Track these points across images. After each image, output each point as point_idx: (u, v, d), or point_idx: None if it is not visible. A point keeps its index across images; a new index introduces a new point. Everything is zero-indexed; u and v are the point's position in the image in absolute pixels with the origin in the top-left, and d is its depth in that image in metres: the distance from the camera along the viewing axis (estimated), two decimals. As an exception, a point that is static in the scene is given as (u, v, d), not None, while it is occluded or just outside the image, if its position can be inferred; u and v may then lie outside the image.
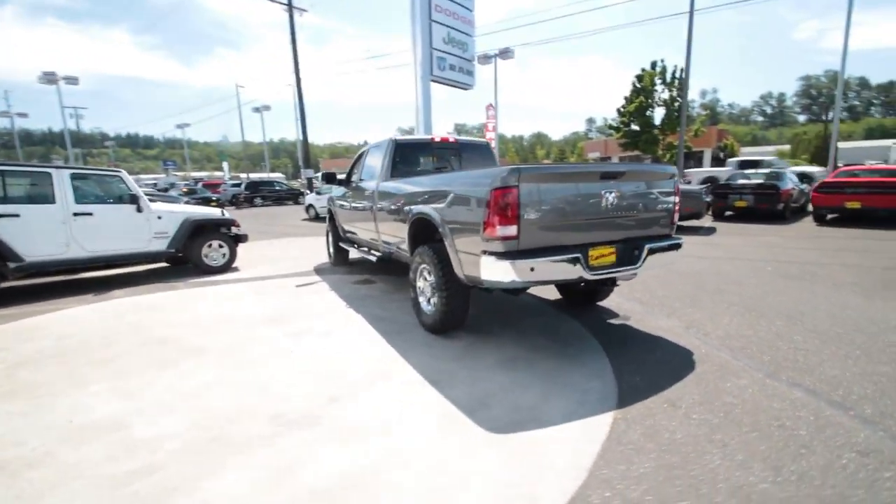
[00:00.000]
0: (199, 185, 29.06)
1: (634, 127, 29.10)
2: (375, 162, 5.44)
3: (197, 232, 6.81)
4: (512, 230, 2.89)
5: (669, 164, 28.53)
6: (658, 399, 2.66)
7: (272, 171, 74.26)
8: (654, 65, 29.00)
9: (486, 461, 2.10)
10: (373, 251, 5.52)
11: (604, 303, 4.59)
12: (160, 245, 6.49)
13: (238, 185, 25.78)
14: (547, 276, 3.00)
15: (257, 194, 24.68)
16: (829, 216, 10.63)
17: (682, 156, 19.41)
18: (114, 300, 5.32)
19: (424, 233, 4.08)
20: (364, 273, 6.59)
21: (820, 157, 27.72)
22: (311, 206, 16.83)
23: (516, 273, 2.87)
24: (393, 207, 4.60)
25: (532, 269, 2.89)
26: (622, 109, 29.90)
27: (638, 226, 3.43)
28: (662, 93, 28.39)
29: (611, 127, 31.82)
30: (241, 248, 7.45)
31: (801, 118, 75.60)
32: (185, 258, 6.85)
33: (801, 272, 5.78)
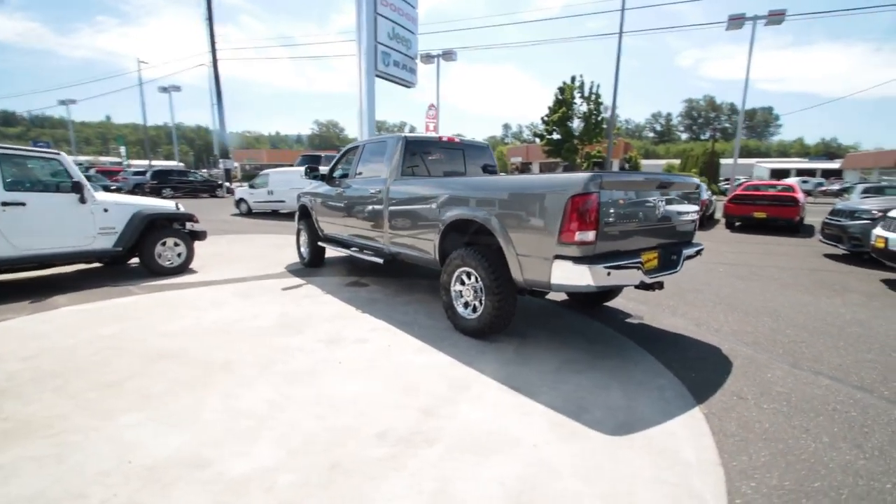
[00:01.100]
0: (93, 171, 25.18)
1: (557, 136, 31.06)
2: (379, 160, 5.19)
3: (149, 228, 5.94)
4: (590, 235, 2.97)
5: (586, 171, 30.86)
6: (724, 392, 2.91)
7: (167, 159, 66.88)
8: (573, 79, 31.23)
9: (630, 463, 2.13)
10: (366, 252, 5.25)
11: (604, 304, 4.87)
12: (106, 242, 5.56)
13: (141, 174, 22.76)
14: (618, 280, 3.13)
15: (166, 185, 22.02)
16: (737, 224, 12.36)
17: (612, 165, 21.11)
18: (62, 309, 4.45)
19: (459, 236, 4.03)
20: (347, 274, 6.26)
21: (708, 171, 31.89)
22: (242, 200, 15.49)
23: (593, 277, 2.95)
24: (413, 208, 4.44)
25: (608, 274, 2.99)
26: (546, 118, 31.80)
27: (675, 233, 3.72)
28: (581, 105, 30.66)
29: (535, 134, 33.58)
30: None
31: (685, 136, 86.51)
32: (128, 258, 5.94)
33: (749, 273, 6.65)
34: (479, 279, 3.67)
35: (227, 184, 24.28)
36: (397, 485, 1.94)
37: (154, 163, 37.13)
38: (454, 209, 3.87)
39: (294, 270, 6.55)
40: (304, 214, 6.99)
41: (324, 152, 21.72)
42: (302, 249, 6.98)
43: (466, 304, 3.87)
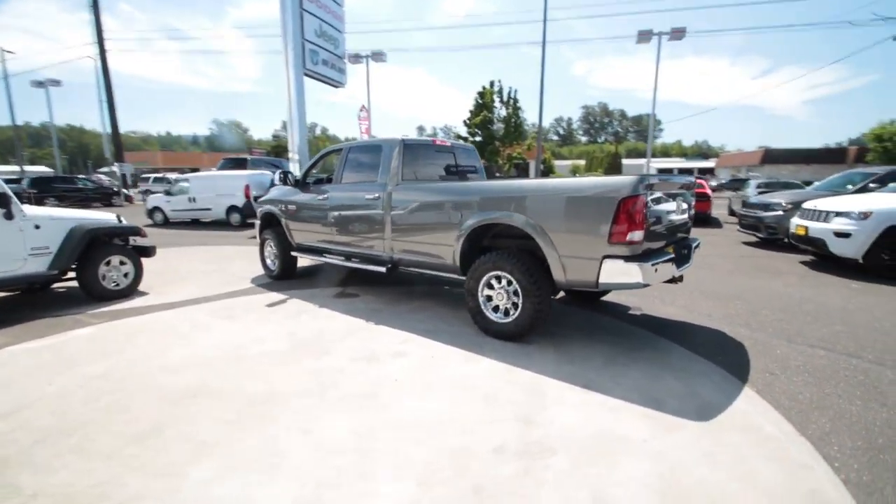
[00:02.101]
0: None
1: (479, 138, 32.00)
2: (371, 164, 4.96)
3: (91, 245, 5.07)
4: (640, 235, 3.13)
5: (507, 173, 32.14)
6: (756, 371, 3.23)
7: (32, 162, 57.19)
8: (492, 84, 32.47)
9: (734, 445, 2.29)
10: (356, 261, 5.00)
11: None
12: (38, 265, 4.64)
13: (15, 181, 19.17)
14: (661, 276, 3.32)
15: (49, 193, 18.82)
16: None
17: (541, 167, 22.17)
18: (5, 350, 3.63)
19: (480, 240, 4.01)
20: (327, 285, 5.89)
21: (612, 171, 35.12)
22: (156, 209, 13.79)
23: (643, 275, 3.12)
24: (424, 214, 4.32)
25: (656, 271, 3.18)
26: (468, 121, 32.64)
27: (685, 228, 4.05)
28: (501, 109, 31.96)
29: (458, 137, 34.27)
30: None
31: (584, 139, 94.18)
32: (53, 282, 5.02)
33: (701, 263, 7.44)
34: (512, 282, 3.68)
35: (126, 191, 21.41)
36: (553, 499, 1.89)
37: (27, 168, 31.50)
38: (480, 214, 3.83)
39: (265, 284, 6.01)
40: (270, 223, 6.44)
41: (250, 155, 20.17)
42: (268, 261, 6.42)
43: (496, 308, 3.86)
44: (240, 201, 13.04)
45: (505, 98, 31.86)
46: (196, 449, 2.24)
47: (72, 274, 5.09)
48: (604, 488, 1.96)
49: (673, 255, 3.43)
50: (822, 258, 7.26)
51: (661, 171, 56.16)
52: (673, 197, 3.77)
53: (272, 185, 13.12)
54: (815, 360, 3.42)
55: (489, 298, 3.90)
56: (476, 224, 3.85)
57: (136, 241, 5.78)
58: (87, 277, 5.02)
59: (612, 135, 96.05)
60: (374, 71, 21.45)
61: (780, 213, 8.24)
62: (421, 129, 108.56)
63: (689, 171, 52.89)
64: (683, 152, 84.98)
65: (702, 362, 3.37)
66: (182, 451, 2.22)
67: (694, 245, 4.11)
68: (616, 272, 3.17)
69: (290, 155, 15.89)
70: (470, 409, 2.65)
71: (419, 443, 2.30)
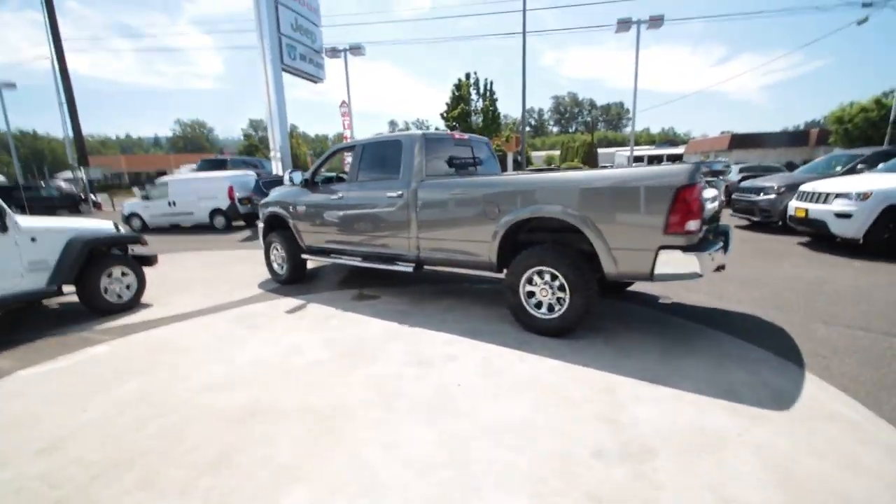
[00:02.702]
0: None
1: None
2: (390, 161, 4.79)
3: (91, 256, 4.72)
4: (697, 224, 3.10)
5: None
6: (807, 355, 3.26)
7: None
8: (468, 76, 32.28)
9: (824, 432, 2.29)
10: (378, 261, 4.85)
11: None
12: (37, 281, 4.30)
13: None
14: (714, 265, 3.30)
15: (13, 203, 17.61)
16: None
17: (525, 159, 22.17)
18: (16, 374, 3.33)
19: (514, 235, 3.93)
20: (341, 287, 5.69)
21: (589, 160, 35.59)
22: (134, 215, 13.11)
23: (700, 264, 3.09)
24: (456, 210, 4.19)
25: (713, 259, 3.17)
26: (445, 115, 32.39)
27: (718, 216, 4.06)
28: (478, 102, 31.84)
29: (436, 129, 33.99)
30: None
31: (555, 129, 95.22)
32: (50, 296, 4.65)
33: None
34: (557, 277, 3.61)
35: (94, 196, 20.30)
36: (677, 501, 1.82)
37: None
38: (523, 208, 3.73)
39: (275, 289, 5.76)
40: (276, 225, 6.19)
41: (227, 155, 19.46)
42: (275, 265, 6.16)
43: (539, 305, 3.79)
44: (224, 204, 12.54)
45: (482, 90, 31.74)
46: (279, 474, 2.07)
47: (69, 288, 4.74)
48: (723, 487, 1.91)
49: (723, 243, 3.43)
50: (818, 239, 7.51)
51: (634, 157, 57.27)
52: (709, 183, 3.77)
53: (257, 185, 12.69)
54: (858, 341, 3.48)
55: (530, 294, 3.82)
56: (518, 219, 3.75)
57: (133, 249, 5.46)
58: (88, 291, 4.67)
59: (582, 124, 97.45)
60: (339, 65, 20.81)
61: (774, 196, 8.48)
62: (393, 124, 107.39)
63: (659, 158, 54.18)
64: (652, 139, 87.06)
65: (754, 349, 3.38)
66: (264, 477, 2.06)
67: (730, 231, 4.12)
68: (673, 263, 3.14)
69: (272, 154, 15.42)
70: (549, 412, 2.56)
71: (514, 450, 2.20)
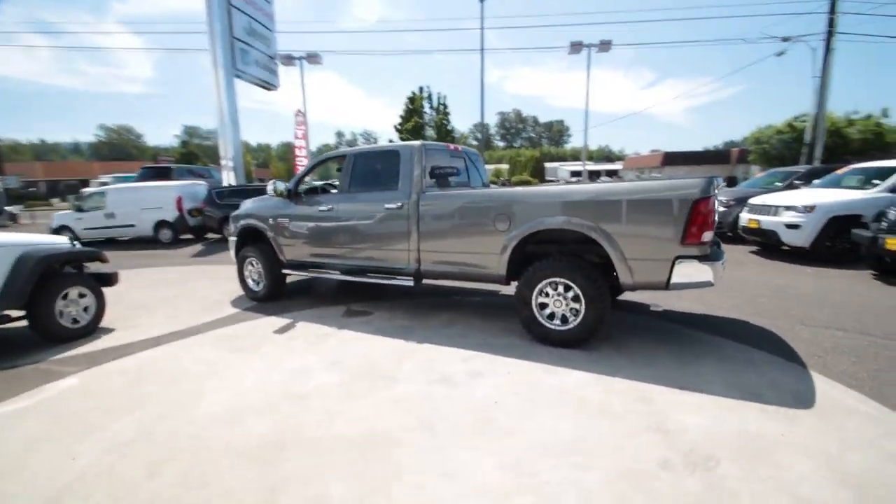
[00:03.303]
0: None
1: (411, 143, 31.80)
2: (389, 171, 4.64)
3: (45, 276, 4.15)
4: (711, 235, 3.24)
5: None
6: (805, 355, 3.49)
7: None
8: (421, 90, 32.54)
9: (856, 430, 2.43)
10: (372, 276, 4.67)
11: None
12: (-20, 306, 3.68)
13: None
14: (722, 274, 3.45)
15: None
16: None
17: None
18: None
19: (523, 247, 3.91)
20: (328, 304, 5.41)
21: (537, 174, 36.94)
22: (64, 228, 11.80)
23: (713, 274, 3.24)
24: (463, 222, 4.13)
25: (723, 269, 3.32)
26: (399, 127, 32.35)
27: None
28: (431, 115, 32.12)
29: (390, 142, 33.83)
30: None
31: (501, 144, 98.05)
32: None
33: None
34: (571, 288, 3.63)
35: (9, 208, 18.07)
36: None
37: None
38: (537, 220, 3.72)
39: (252, 308, 5.36)
40: (252, 239, 5.79)
41: (164, 163, 18.10)
42: (250, 281, 5.74)
43: (552, 316, 3.78)
44: (171, 215, 11.62)
45: (434, 104, 32.07)
46: (341, 515, 1.87)
47: (15, 312, 4.12)
48: (794, 489, 1.95)
49: (723, 253, 3.61)
50: (766, 248, 8.19)
51: (574, 173, 60.26)
52: None
53: (210, 196, 11.94)
54: (841, 340, 3.79)
55: (542, 306, 3.81)
56: (531, 231, 3.74)
57: (100, 268, 4.88)
58: (40, 315, 4.08)
59: (526, 140, 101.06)
60: (284, 74, 20.11)
61: (724, 209, 9.17)
62: (340, 135, 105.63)
63: (598, 173, 57.37)
64: (590, 156, 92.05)
65: (755, 352, 3.57)
66: (325, 520, 1.84)
67: (720, 243, 4.36)
68: (688, 273, 3.25)
69: (224, 162, 14.60)
70: (597, 425, 2.53)
71: (581, 468, 2.14)
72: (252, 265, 5.70)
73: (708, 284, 3.28)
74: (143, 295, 6.19)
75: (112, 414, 2.80)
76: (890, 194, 6.46)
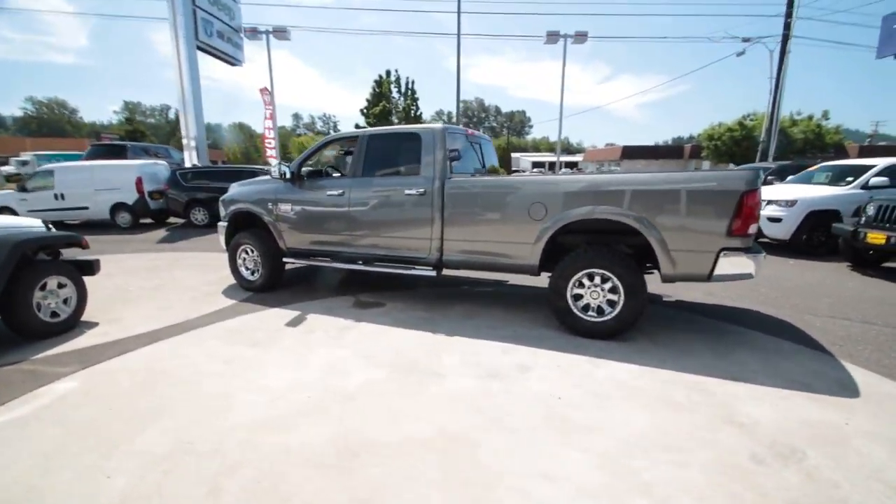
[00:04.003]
0: None
1: (378, 128, 31.06)
2: (409, 155, 4.41)
3: (21, 264, 3.64)
4: (755, 228, 3.28)
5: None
6: (829, 345, 3.64)
7: None
8: (388, 73, 31.78)
9: (913, 416, 2.53)
10: (386, 265, 4.46)
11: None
12: (-54, 298, 3.16)
13: None
14: (762, 268, 3.48)
15: None
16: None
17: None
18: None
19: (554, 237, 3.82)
20: (334, 294, 5.13)
21: (504, 164, 37.16)
22: (5, 209, 10.58)
23: (755, 266, 3.29)
24: (496, 210, 3.97)
25: (764, 261, 3.37)
26: (366, 111, 31.47)
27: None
28: (399, 100, 31.46)
29: (359, 127, 32.87)
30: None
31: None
32: None
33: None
34: (608, 279, 3.59)
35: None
36: (867, 499, 1.86)
37: None
38: (573, 210, 3.63)
39: (249, 299, 4.99)
40: (246, 225, 5.38)
41: (107, 140, 16.66)
42: (244, 270, 5.34)
43: (586, 307, 3.73)
44: (130, 197, 10.69)
45: (403, 88, 31.42)
46: (449, 528, 1.71)
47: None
48: (881, 476, 1.99)
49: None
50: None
51: (536, 164, 61.30)
52: None
53: (174, 177, 11.11)
54: (850, 329, 3.98)
55: (576, 297, 3.75)
56: (570, 220, 3.65)
57: (80, 254, 4.35)
58: (17, 309, 3.58)
59: (488, 129, 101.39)
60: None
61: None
62: (297, 117, 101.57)
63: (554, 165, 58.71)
64: (551, 147, 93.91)
65: (783, 342, 3.67)
66: (435, 535, 1.68)
67: None
68: (732, 264, 3.28)
69: (185, 141, 13.59)
70: (672, 419, 2.49)
71: (676, 464, 2.08)
72: (247, 253, 5.29)
73: (748, 277, 3.32)
74: (118, 284, 5.63)
75: (133, 423, 2.47)
76: (862, 191, 6.91)
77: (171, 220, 12.04)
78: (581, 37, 17.81)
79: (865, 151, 37.13)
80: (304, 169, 4.99)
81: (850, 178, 7.24)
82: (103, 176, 10.65)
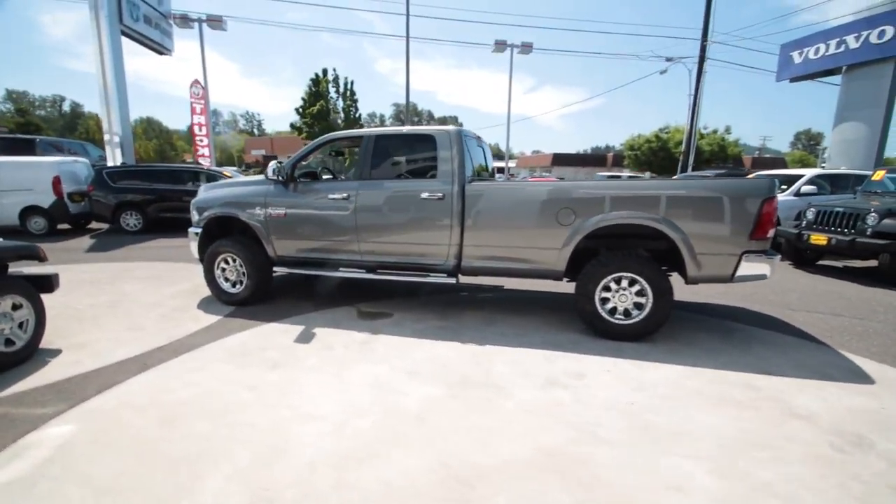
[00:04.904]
0: None
1: (316, 129, 29.91)
2: (423, 157, 4.25)
3: (-34, 282, 2.95)
4: (773, 232, 3.53)
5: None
6: (822, 337, 4.02)
7: None
8: (325, 72, 30.72)
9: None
10: (399, 272, 4.26)
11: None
12: None
13: None
14: (777, 269, 3.75)
15: None
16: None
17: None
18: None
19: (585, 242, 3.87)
20: (329, 305, 4.78)
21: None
22: None
23: (771, 268, 3.55)
24: (520, 215, 3.92)
25: (778, 263, 3.64)
26: (301, 110, 30.13)
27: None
28: (338, 100, 30.53)
29: (294, 126, 31.31)
30: None
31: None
32: None
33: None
34: (636, 282, 3.69)
35: None
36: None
37: None
38: (603, 215, 3.68)
39: (236, 313, 4.49)
40: (224, 231, 4.86)
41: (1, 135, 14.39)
42: (223, 282, 4.79)
43: (613, 311, 3.80)
44: (45, 200, 9.24)
45: (341, 89, 30.52)
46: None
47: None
48: (950, 458, 2.20)
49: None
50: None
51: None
52: None
53: (99, 177, 9.83)
54: (831, 322, 4.43)
55: (605, 301, 3.81)
56: (600, 225, 3.69)
57: (39, 268, 3.61)
58: (-37, 339, 2.88)
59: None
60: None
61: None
62: (215, 114, 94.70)
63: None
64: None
65: (783, 336, 3.98)
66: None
67: None
68: (752, 266, 3.51)
69: (107, 137, 12.03)
70: (744, 417, 2.58)
71: (782, 462, 2.15)
72: (227, 262, 4.75)
73: (763, 278, 3.57)
74: (62, 302, 4.77)
75: (182, 472, 2.06)
76: (795, 198, 7.82)
77: (94, 225, 10.60)
78: (527, 47, 18.46)
79: (758, 163, 42.39)
80: (297, 171, 4.60)
81: (784, 187, 8.15)
82: (10, 175, 9.07)
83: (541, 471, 2.06)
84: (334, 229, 4.41)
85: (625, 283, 3.73)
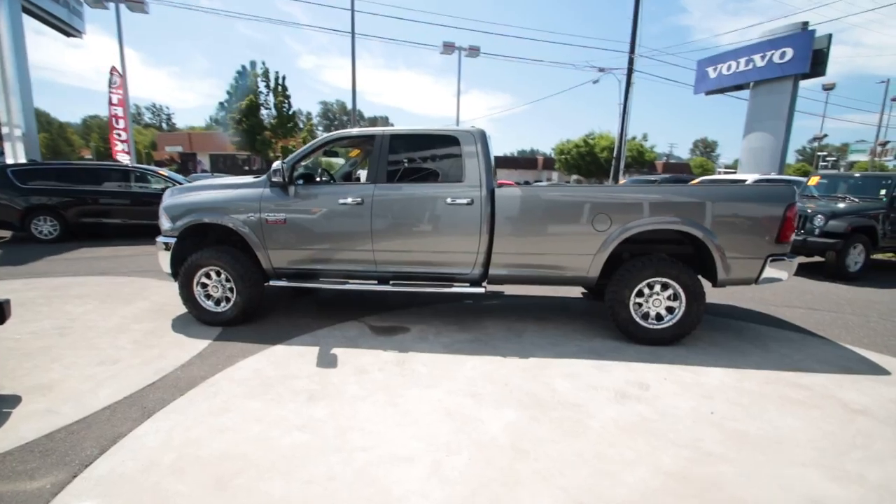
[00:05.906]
0: None
1: (244, 127, 27.89)
2: (445, 160, 3.99)
3: None
4: (794, 236, 3.74)
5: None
6: (820, 332, 4.35)
7: None
8: (253, 65, 28.81)
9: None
10: (419, 284, 3.99)
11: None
12: None
13: None
14: (794, 271, 3.94)
15: None
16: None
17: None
18: None
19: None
20: (330, 322, 4.35)
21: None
22: None
23: (789, 271, 3.76)
24: (555, 221, 3.80)
25: (795, 266, 3.85)
26: (226, 104, 27.96)
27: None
28: (269, 96, 28.73)
29: (217, 122, 28.89)
30: None
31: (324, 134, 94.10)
32: None
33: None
34: (668, 286, 3.73)
35: None
36: None
37: None
38: (639, 220, 3.67)
39: (226, 336, 3.91)
40: (208, 241, 4.23)
41: None
42: (206, 301, 4.16)
43: (646, 315, 3.82)
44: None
45: (272, 84, 28.74)
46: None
47: None
48: None
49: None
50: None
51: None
52: None
53: (4, 177, 8.32)
54: (822, 316, 4.82)
55: (639, 306, 3.81)
56: (636, 231, 3.67)
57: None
58: None
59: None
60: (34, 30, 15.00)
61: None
62: (135, 107, 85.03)
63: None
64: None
65: (789, 332, 4.24)
66: None
67: None
68: (775, 269, 3.69)
69: (6, 130, 10.17)
70: (815, 417, 2.65)
71: (879, 460, 2.21)
72: (209, 277, 4.12)
73: (780, 280, 3.77)
74: (23, 330, 3.85)
75: (273, 546, 1.65)
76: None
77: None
78: (474, 50, 18.61)
79: (667, 168, 46.50)
80: (297, 172, 4.10)
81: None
82: None
83: (682, 499, 1.93)
84: (344, 237, 3.99)
85: (658, 288, 3.75)
